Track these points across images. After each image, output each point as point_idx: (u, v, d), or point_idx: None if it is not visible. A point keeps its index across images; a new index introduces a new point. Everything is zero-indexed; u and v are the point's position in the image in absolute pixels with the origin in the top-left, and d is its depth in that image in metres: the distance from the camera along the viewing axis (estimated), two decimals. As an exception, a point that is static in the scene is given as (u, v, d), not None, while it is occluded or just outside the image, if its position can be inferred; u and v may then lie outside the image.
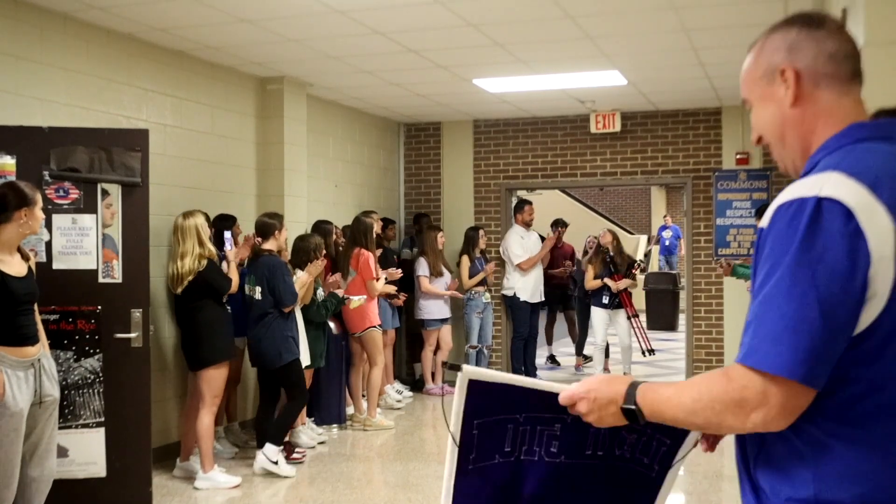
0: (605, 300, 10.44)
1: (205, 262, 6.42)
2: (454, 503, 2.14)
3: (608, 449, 2.15)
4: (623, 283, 10.41)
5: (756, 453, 1.74)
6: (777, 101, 1.79)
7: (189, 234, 6.45)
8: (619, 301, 10.47)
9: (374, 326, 8.48)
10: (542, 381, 2.11)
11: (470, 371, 2.05)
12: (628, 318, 10.53)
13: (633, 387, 1.84)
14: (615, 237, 10.69)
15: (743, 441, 1.79)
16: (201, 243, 6.45)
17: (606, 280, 10.41)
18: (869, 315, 1.57)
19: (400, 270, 9.15)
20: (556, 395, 2.00)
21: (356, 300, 8.05)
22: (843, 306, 1.55)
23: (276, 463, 6.83)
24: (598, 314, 10.52)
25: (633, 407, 1.82)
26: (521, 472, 2.15)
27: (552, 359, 12.89)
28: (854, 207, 1.55)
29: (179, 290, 6.44)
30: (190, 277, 6.38)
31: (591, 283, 10.54)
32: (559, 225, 12.60)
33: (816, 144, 1.76)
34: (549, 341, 13.07)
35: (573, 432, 2.09)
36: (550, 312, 12.62)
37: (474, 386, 2.05)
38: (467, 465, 2.11)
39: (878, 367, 1.60)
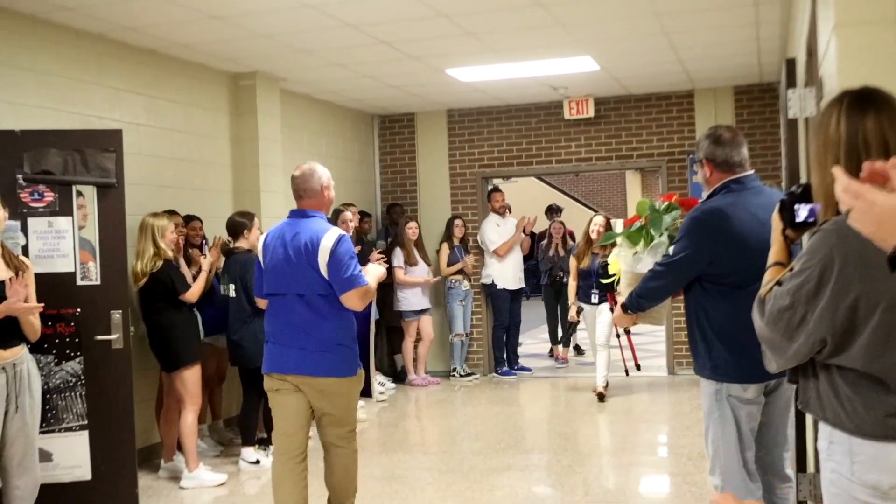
0: (595, 298, 9.07)
1: (159, 264, 6.34)
2: None
3: None
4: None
5: None
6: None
7: (144, 233, 6.38)
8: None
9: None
10: None
11: None
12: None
13: None
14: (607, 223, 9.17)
15: None
16: (155, 244, 6.36)
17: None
18: None
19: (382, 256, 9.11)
20: None
21: None
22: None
23: (257, 462, 6.83)
24: (590, 311, 9.23)
25: None
26: None
27: (577, 349, 12.37)
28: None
29: (136, 287, 6.39)
30: (145, 278, 6.35)
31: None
32: (553, 211, 12.67)
33: None
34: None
35: None
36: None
37: None
38: None
39: None
